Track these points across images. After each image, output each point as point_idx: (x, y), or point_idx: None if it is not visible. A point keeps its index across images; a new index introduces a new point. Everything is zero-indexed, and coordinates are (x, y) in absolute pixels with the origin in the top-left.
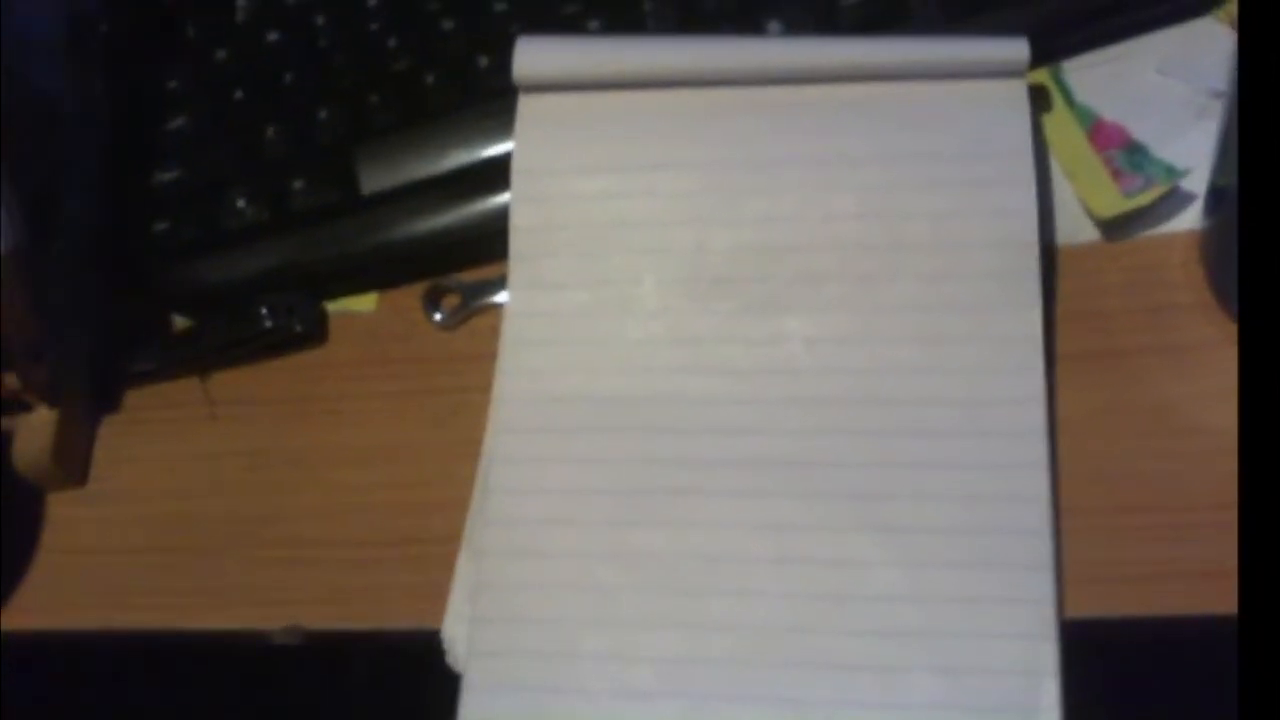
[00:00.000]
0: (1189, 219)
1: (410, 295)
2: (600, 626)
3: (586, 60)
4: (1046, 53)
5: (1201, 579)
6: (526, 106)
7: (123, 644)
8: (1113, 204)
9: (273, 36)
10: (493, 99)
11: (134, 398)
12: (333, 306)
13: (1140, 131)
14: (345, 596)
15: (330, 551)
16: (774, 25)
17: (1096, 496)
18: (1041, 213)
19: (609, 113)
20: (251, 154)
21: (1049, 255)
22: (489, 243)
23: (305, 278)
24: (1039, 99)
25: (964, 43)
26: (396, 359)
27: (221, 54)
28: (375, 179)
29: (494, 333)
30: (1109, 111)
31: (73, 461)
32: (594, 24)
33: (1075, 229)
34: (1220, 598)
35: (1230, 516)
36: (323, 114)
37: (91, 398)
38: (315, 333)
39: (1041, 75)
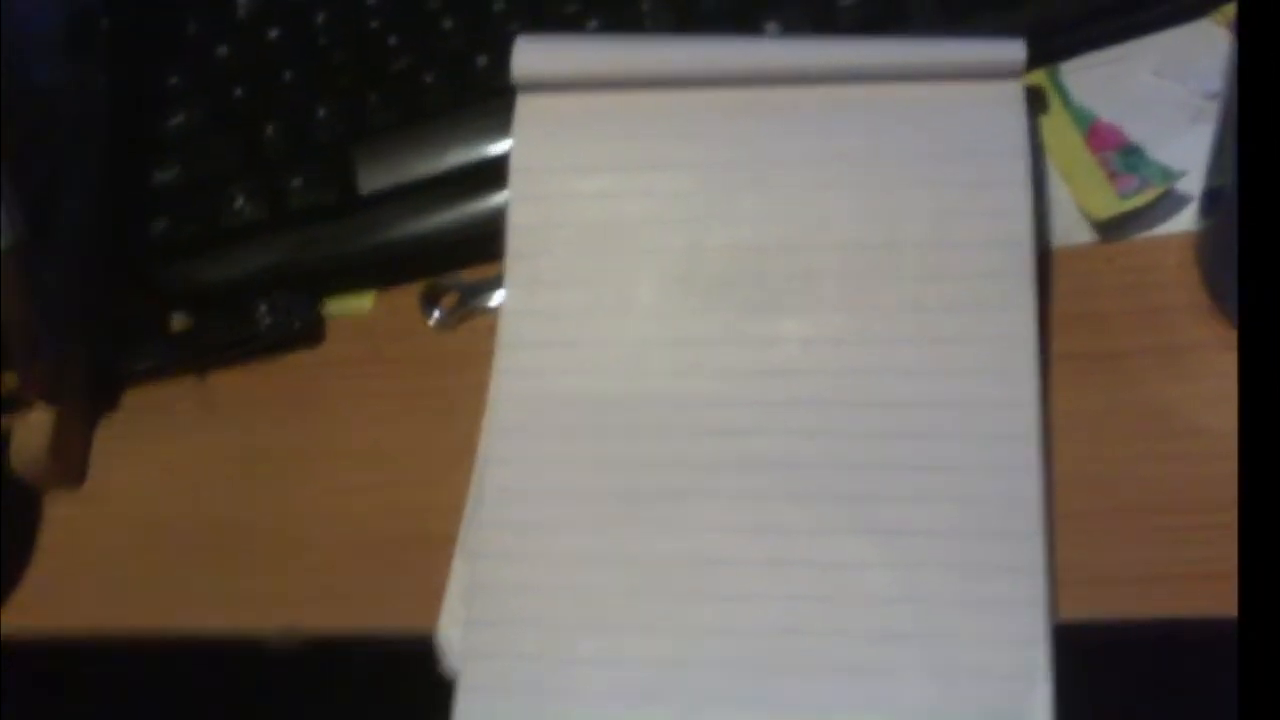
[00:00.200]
0: (1185, 221)
1: (408, 294)
2: (595, 629)
3: (585, 60)
4: (1044, 54)
5: (1195, 581)
6: (525, 106)
7: (119, 644)
8: (1109, 205)
9: (273, 34)
10: (491, 98)
11: (132, 396)
12: (330, 306)
13: (1137, 133)
14: (342, 598)
15: (327, 552)
16: (772, 26)
17: (1090, 498)
18: (1037, 214)
19: (607, 112)
20: (250, 152)
21: (1045, 256)
22: (487, 242)
23: (303, 276)
24: (1036, 100)
25: (961, 44)
26: (394, 358)
27: (221, 51)
28: (374, 178)
29: (491, 332)
30: (1106, 113)
31: (70, 460)
32: (592, 24)
33: (1071, 230)
34: (1214, 600)
35: (1225, 519)
36: (322, 112)
37: (89, 396)
38: (313, 332)
39: (1039, 76)
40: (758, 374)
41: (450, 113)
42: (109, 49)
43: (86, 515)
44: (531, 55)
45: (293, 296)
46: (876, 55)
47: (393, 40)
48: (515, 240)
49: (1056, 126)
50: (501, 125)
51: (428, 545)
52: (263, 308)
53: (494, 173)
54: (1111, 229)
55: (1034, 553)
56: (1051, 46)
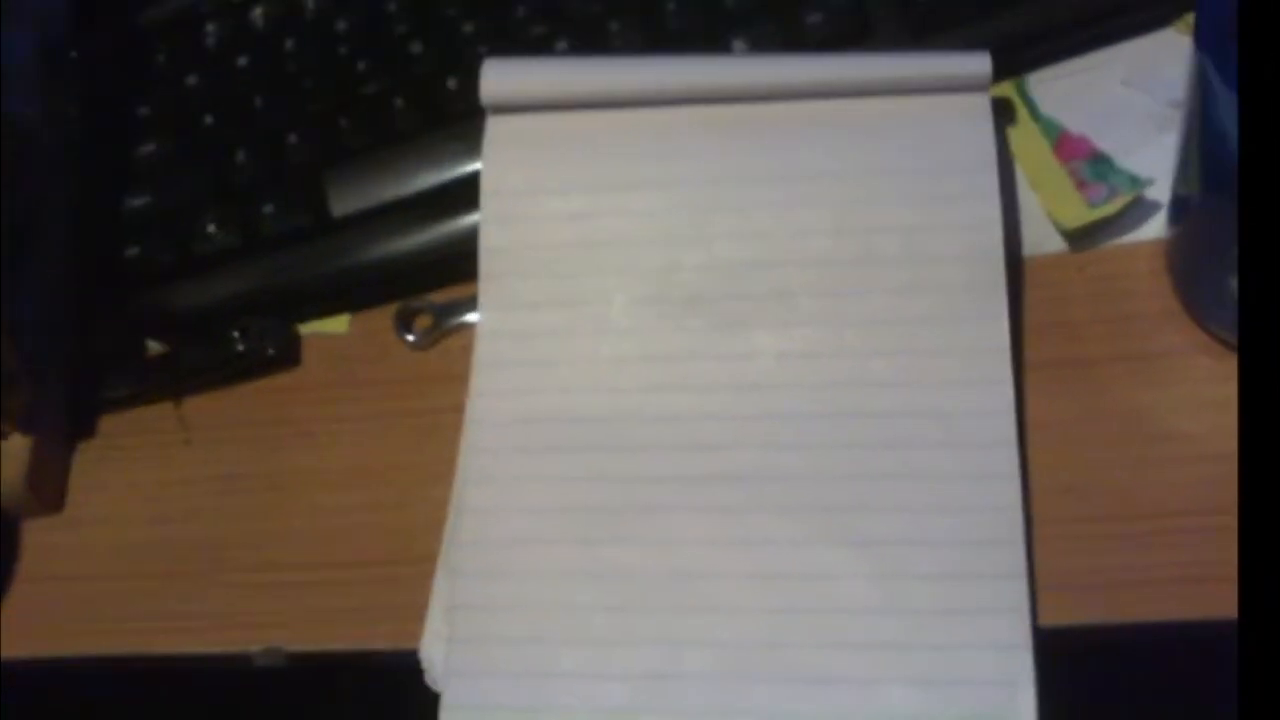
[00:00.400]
0: (1154, 228)
1: (382, 316)
2: (575, 644)
3: (554, 81)
4: (1011, 66)
5: (1175, 585)
6: (495, 128)
7: (101, 670)
8: (1078, 214)
9: (242, 62)
10: (461, 121)
11: (109, 424)
12: (305, 329)
13: (1104, 142)
14: (324, 618)
15: (308, 574)
16: (739, 44)
17: (1068, 505)
18: (1008, 224)
19: (577, 133)
20: (222, 179)
21: (1016, 266)
22: (460, 263)
23: (277, 301)
24: (1004, 112)
25: (927, 58)
26: (369, 380)
27: (191, 80)
28: (346, 202)
29: (466, 353)
30: (1073, 123)
31: (48, 488)
32: (561, 45)
33: (1042, 240)
34: (1194, 603)
35: (1199, 522)
36: (293, 138)
37: (66, 424)
38: (288, 356)
39: (1006, 88)
40: (735, 388)
41: (421, 136)
42: (79, 80)
43: (65, 542)
44: (501, 77)
45: (267, 321)
46: (844, 71)
47: (362, 65)
48: (488, 262)
49: (1025, 137)
50: (472, 147)
51: (409, 564)
52: (237, 333)
53: (465, 194)
54: (1082, 238)
55: (1015, 559)
56: (1018, 58)
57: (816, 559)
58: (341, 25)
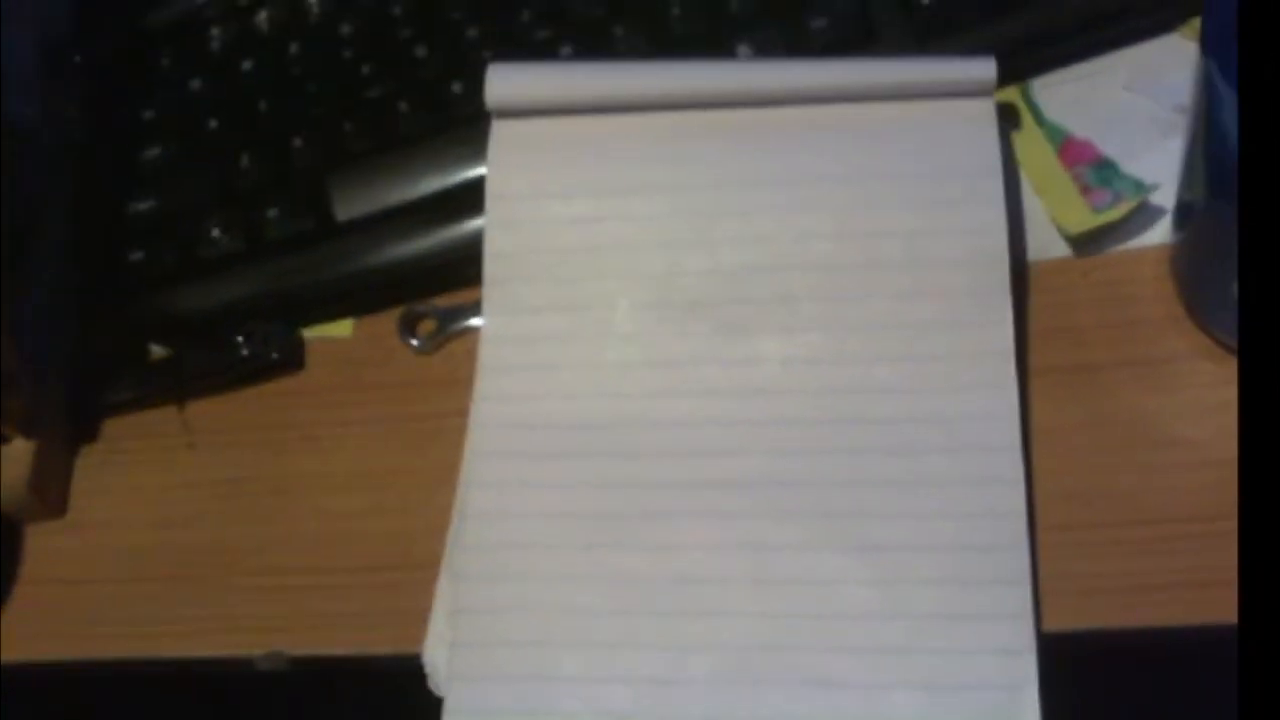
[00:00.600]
0: (1159, 233)
1: (386, 321)
2: (579, 649)
3: (559, 85)
4: (1015, 71)
5: (1178, 590)
6: (499, 132)
7: (103, 674)
8: (1083, 220)
9: (246, 65)
10: (466, 125)
11: (112, 428)
12: (309, 333)
13: (1109, 147)
14: (326, 623)
15: (310, 578)
16: (744, 48)
17: (1072, 510)
18: (1012, 229)
19: (582, 137)
20: (226, 183)
21: (1020, 271)
22: (464, 268)
23: (281, 305)
24: (1008, 117)
25: (932, 63)
26: (373, 385)
27: (196, 83)
28: (350, 206)
29: (470, 357)
30: (1078, 128)
31: (51, 492)
32: (565, 49)
33: (1046, 245)
34: (1197, 609)
35: (1204, 528)
36: (297, 142)
37: (69, 428)
38: (292, 360)
39: (1011, 94)
40: (738, 394)
41: (425, 140)
42: (83, 83)
43: (67, 545)
44: (505, 81)
45: (271, 325)
46: (848, 76)
47: (366, 69)
48: (493, 266)
49: (1029, 142)
50: (476, 151)
51: (411, 569)
52: (241, 337)
53: (470, 198)
54: (1086, 243)
55: (1019, 564)
56: (1022, 63)
57: (819, 564)
58: (346, 29)
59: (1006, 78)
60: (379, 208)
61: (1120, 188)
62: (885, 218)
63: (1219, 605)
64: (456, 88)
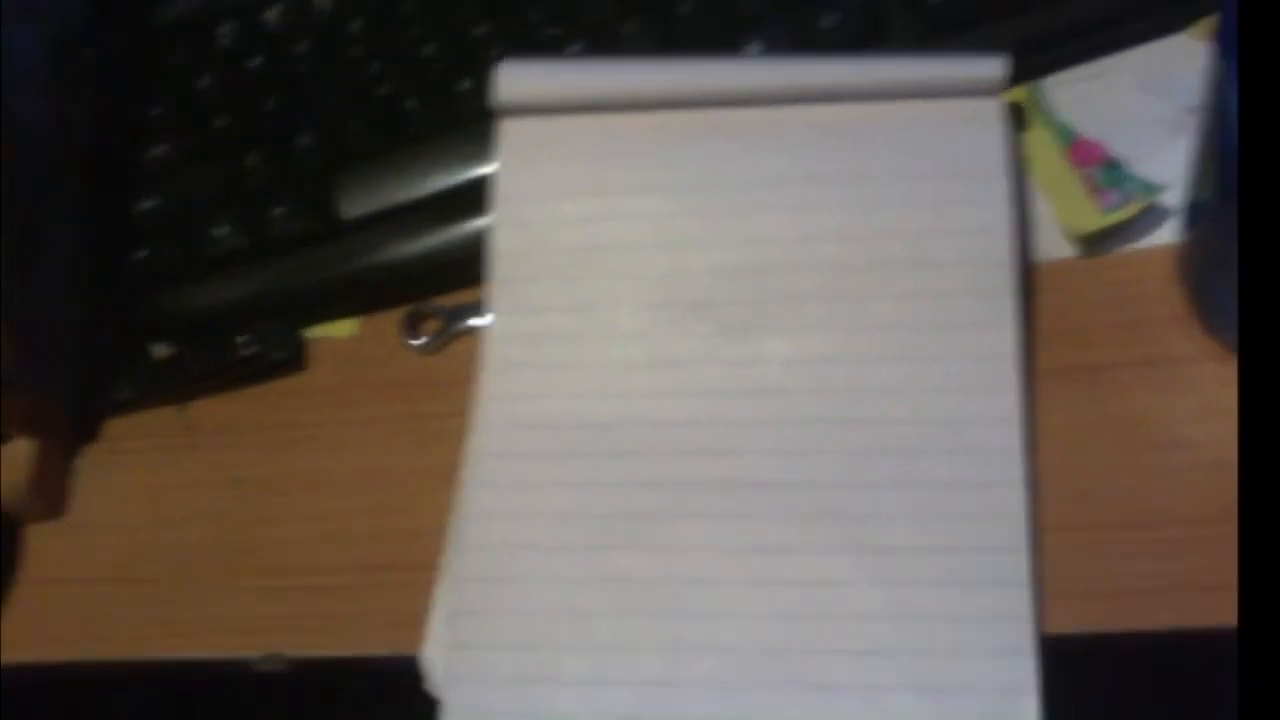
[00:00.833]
0: (1167, 234)
1: (389, 320)
2: (579, 650)
3: (567, 84)
4: (1025, 70)
5: (1182, 593)
6: (507, 130)
7: (102, 675)
8: (1091, 220)
9: (253, 63)
10: (473, 123)
11: (113, 427)
12: (312, 332)
13: (1118, 148)
14: (327, 624)
15: (312, 579)
16: (753, 46)
17: (1076, 512)
18: (1020, 230)
19: (590, 136)
20: (232, 181)
21: (1028, 272)
22: (469, 267)
23: (285, 304)
24: (1017, 116)
25: (941, 62)
26: (377, 384)
27: (203, 81)
28: (356, 204)
29: (474, 357)
30: (1087, 128)
31: (52, 492)
32: (574, 47)
33: (1054, 245)
34: (1201, 612)
35: (1209, 531)
36: (303, 140)
37: (70, 428)
38: (295, 359)
39: (1020, 93)
40: (742, 394)
41: (432, 138)
42: (89, 80)
43: (68, 545)
44: (513, 79)
45: (275, 324)
46: (858, 74)
47: (374, 67)
48: (499, 266)
49: (1038, 142)
50: (483, 150)
51: (412, 570)
52: (245, 336)
53: (476, 197)
54: (1094, 243)
55: (1020, 566)
56: (1032, 62)
57: (821, 565)
58: (354, 27)
59: (1016, 76)
60: (385, 206)
61: (1129, 188)
62: (890, 218)
63: (1223, 608)
64: (464, 86)
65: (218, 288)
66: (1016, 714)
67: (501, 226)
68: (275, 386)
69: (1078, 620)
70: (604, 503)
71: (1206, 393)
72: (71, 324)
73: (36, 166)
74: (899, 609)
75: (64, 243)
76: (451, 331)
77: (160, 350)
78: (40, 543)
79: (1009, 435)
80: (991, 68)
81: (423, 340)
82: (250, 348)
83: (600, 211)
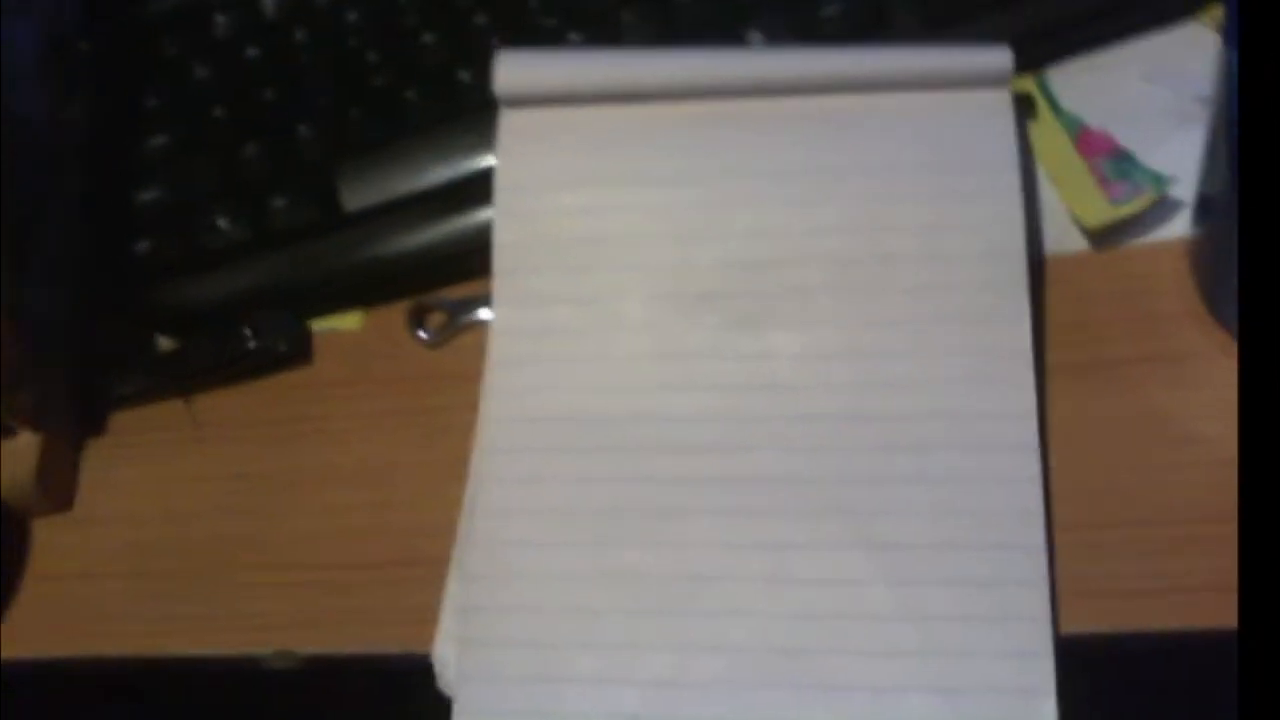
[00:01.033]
0: (1178, 227)
1: (395, 313)
2: (589, 649)
3: (568, 74)
4: (1031, 60)
5: (1198, 593)
6: (508, 121)
7: (109, 670)
8: (1100, 212)
9: (252, 54)
10: (474, 113)
11: (119, 421)
12: (317, 325)
13: (1127, 139)
14: (335, 620)
15: (319, 574)
16: (755, 36)
17: (1090, 510)
18: (1029, 222)
19: (591, 127)
20: (232, 173)
21: (1037, 265)
22: (473, 259)
23: (289, 297)
24: (1024, 107)
25: (946, 52)
26: (382, 378)
27: (201, 72)
28: (357, 196)
29: (480, 349)
30: (1095, 119)
31: (58, 486)
32: (574, 37)
33: (1063, 238)
34: (1217, 611)
35: (1224, 529)
36: (303, 131)
37: (76, 422)
38: (300, 352)
39: (1026, 83)
40: (751, 389)
41: (433, 129)
42: (87, 72)
43: (74, 540)
44: (514, 70)
45: (278, 317)
46: (861, 65)
47: (373, 57)
48: (502, 257)
49: (1046, 133)
50: (485, 140)
51: (421, 565)
52: (248, 329)
53: (478, 188)
54: (1104, 236)
55: (1037, 565)
56: (1039, 52)
57: (834, 564)
58: (352, 16)
59: (1023, 66)
60: (387, 198)
61: (1139, 180)
62: (899, 211)
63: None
64: (465, 76)
65: (221, 280)
66: (1034, 716)
67: (503, 218)
68: (281, 380)
69: (1093, 620)
70: (612, 498)
71: (1219, 388)
72: (75, 317)
73: (35, 160)
74: (913, 608)
75: (65, 236)
76: (457, 325)
77: (165, 343)
78: (46, 537)
79: (1024, 431)
80: (998, 57)
81: (428, 333)
82: (255, 340)
83: (603, 203)
